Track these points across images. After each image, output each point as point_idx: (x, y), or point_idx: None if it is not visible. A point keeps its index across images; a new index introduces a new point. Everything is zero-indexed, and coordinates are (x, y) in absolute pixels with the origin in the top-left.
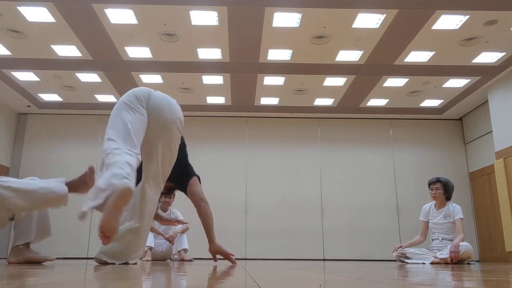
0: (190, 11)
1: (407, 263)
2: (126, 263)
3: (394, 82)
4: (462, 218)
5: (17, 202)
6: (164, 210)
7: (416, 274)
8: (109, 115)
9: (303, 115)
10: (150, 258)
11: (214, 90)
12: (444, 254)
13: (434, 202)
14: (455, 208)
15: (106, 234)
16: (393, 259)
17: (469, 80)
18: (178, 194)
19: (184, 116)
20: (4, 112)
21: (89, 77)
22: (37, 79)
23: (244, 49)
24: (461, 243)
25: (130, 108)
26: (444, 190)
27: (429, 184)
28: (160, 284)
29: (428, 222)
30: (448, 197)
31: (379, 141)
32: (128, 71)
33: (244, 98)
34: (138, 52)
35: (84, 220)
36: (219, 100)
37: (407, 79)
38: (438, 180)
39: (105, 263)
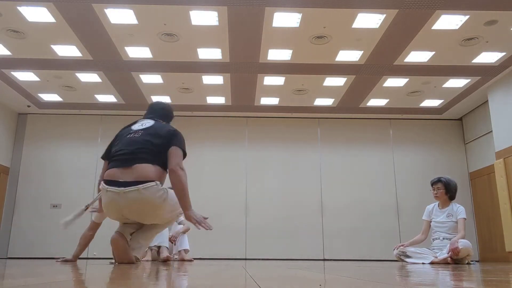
0: (190, 11)
1: (407, 262)
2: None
3: (394, 82)
4: (465, 218)
5: None
6: None
7: (416, 274)
8: (109, 115)
9: (303, 115)
10: (150, 258)
11: (214, 90)
12: (444, 253)
13: (438, 202)
14: (459, 208)
15: None
16: (393, 259)
17: (469, 80)
18: None
19: (184, 116)
20: (4, 112)
21: (89, 77)
22: (37, 79)
23: (244, 49)
24: (461, 240)
25: None
26: (445, 189)
27: (431, 184)
28: (161, 284)
29: (431, 222)
30: (451, 197)
31: (379, 141)
32: (128, 71)
33: (244, 98)
34: (138, 52)
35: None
36: (219, 100)
37: (407, 79)
38: (439, 180)
39: None
